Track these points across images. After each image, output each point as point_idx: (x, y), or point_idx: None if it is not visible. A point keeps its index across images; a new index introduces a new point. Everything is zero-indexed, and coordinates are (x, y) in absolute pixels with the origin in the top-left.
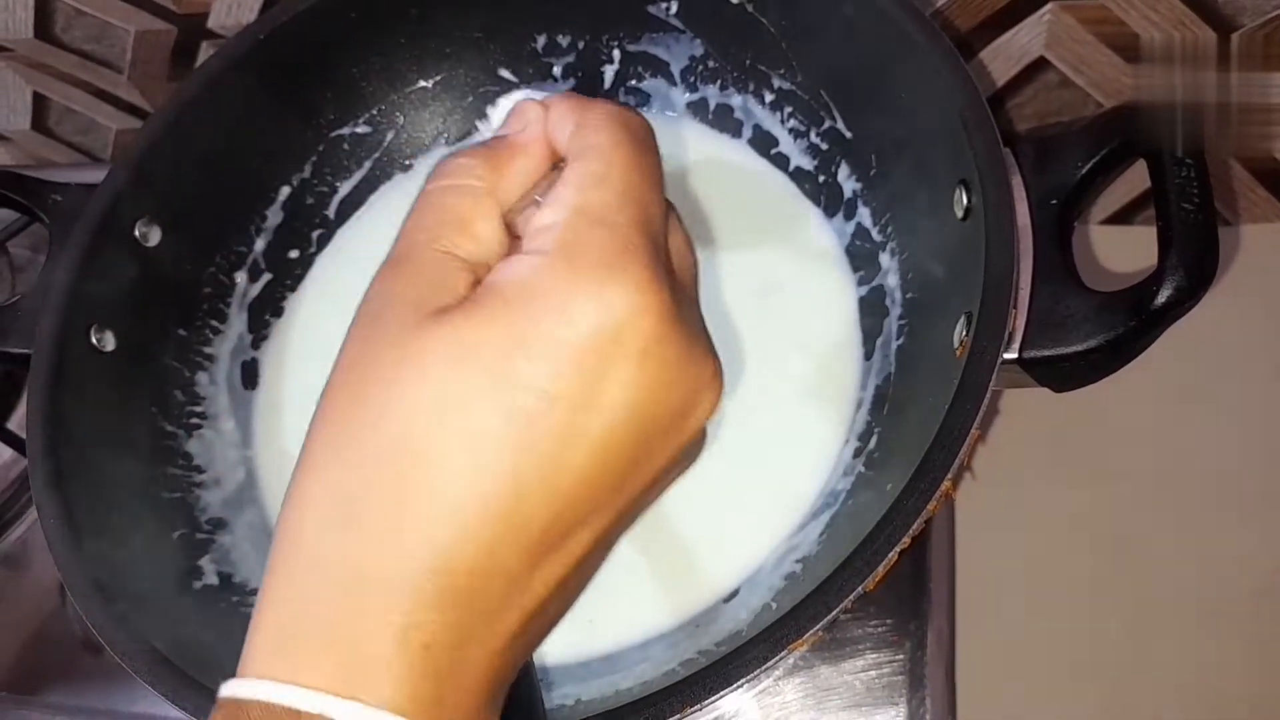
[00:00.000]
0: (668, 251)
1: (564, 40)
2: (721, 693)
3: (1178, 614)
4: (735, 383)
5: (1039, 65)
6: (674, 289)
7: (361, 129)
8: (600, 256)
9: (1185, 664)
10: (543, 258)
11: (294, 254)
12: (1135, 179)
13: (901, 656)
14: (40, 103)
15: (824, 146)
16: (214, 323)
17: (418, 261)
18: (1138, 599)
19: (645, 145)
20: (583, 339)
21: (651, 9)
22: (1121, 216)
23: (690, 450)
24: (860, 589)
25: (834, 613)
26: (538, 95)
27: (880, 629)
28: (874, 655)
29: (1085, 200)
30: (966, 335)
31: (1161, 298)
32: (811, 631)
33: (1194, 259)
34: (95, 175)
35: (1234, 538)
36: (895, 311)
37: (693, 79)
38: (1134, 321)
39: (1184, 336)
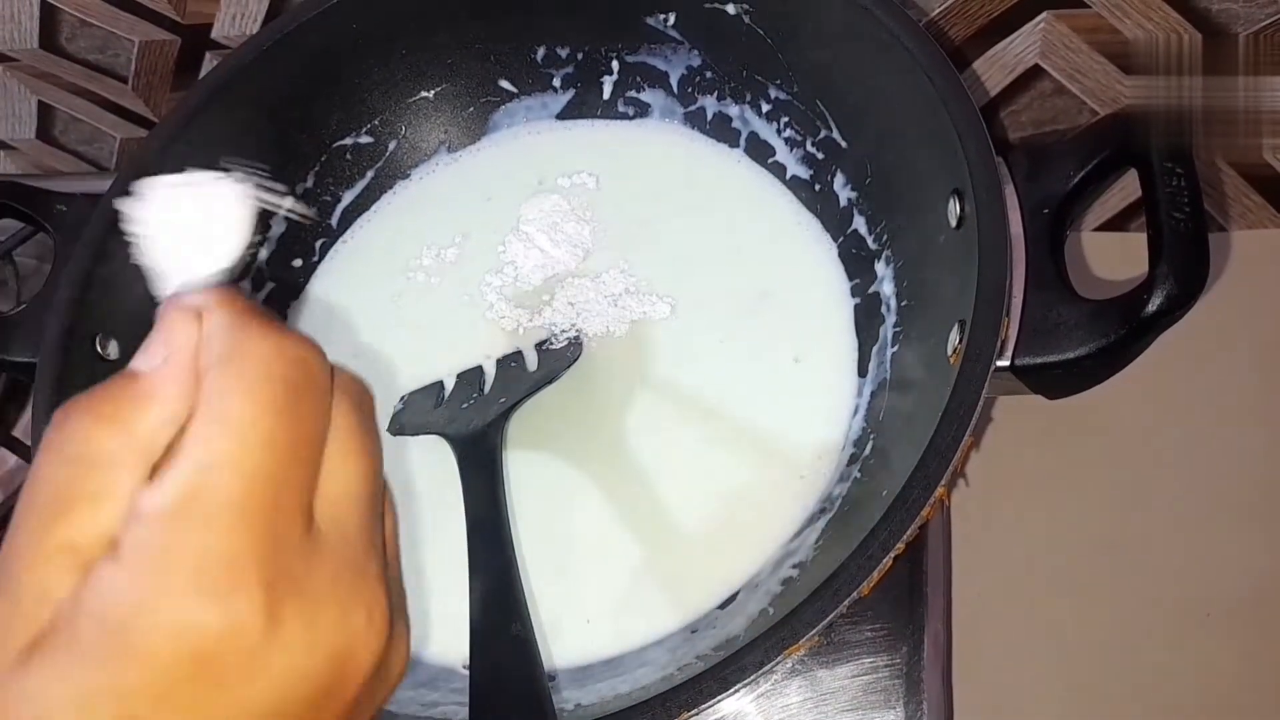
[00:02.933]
0: (309, 507)
1: (563, 51)
2: (719, 697)
3: (1172, 618)
4: (730, 388)
5: (1034, 73)
6: (292, 566)
7: (364, 139)
8: (193, 568)
9: (1181, 668)
10: (121, 569)
11: (297, 263)
12: (1129, 186)
13: (898, 661)
14: (45, 112)
15: (820, 156)
16: None
17: (12, 577)
18: (1132, 603)
19: (295, 395)
20: (172, 672)
21: (650, 21)
22: (1115, 224)
23: (374, 689)
24: (855, 594)
25: (829, 618)
26: (192, 296)
27: (877, 633)
28: (871, 659)
29: (1077, 209)
30: (960, 343)
31: (1152, 306)
32: (807, 636)
33: (1184, 267)
34: (100, 185)
35: (1227, 542)
36: (890, 319)
37: (690, 89)
38: (1125, 329)
39: (1176, 343)
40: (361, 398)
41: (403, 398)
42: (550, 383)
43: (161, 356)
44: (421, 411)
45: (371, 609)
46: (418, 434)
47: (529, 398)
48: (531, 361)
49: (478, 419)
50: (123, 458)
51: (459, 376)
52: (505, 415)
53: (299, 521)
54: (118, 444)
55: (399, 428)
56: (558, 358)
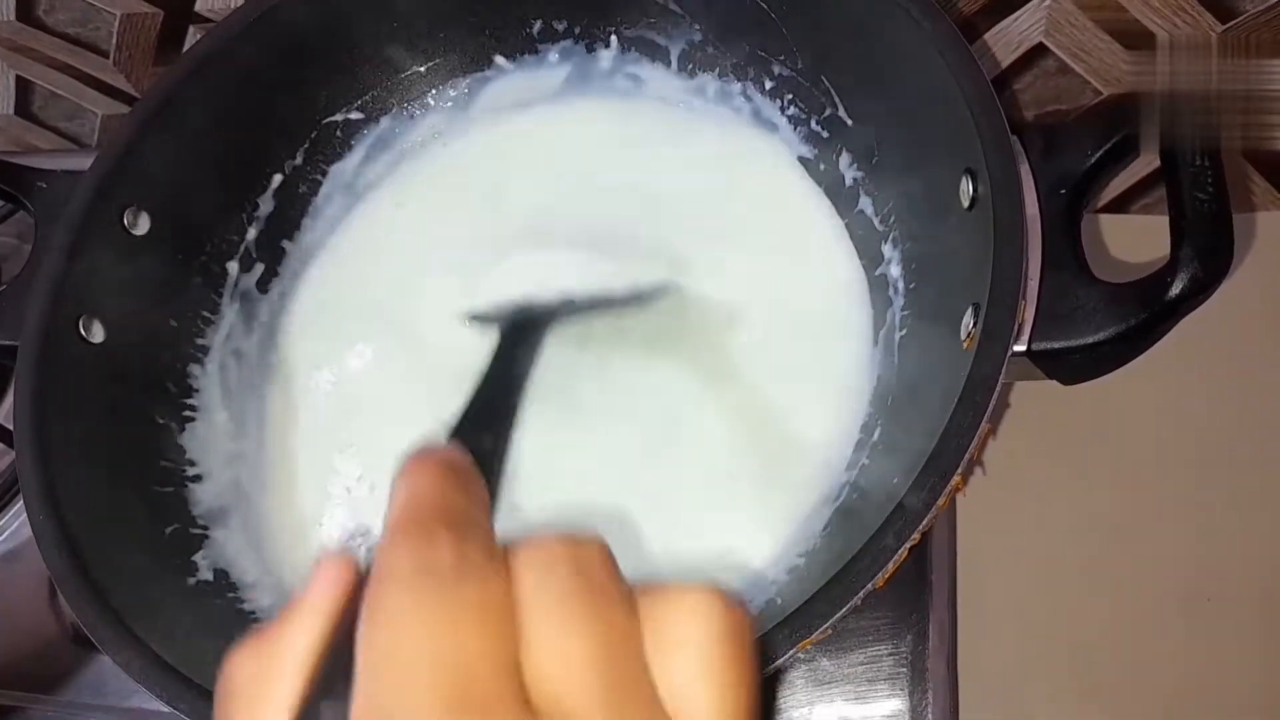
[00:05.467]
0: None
1: (559, 25)
2: None
3: (1181, 608)
4: (734, 371)
5: (1038, 51)
6: None
7: (354, 115)
8: None
9: (1187, 659)
10: None
11: (286, 243)
12: (1134, 166)
13: (903, 648)
14: (24, 87)
15: (824, 134)
16: (205, 313)
17: None
18: (1141, 593)
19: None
20: None
21: None
22: (1117, 205)
23: None
24: (870, 585)
25: (843, 611)
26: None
27: (882, 621)
28: (876, 647)
29: (1094, 189)
30: (974, 327)
31: (1176, 289)
32: (820, 629)
33: (1209, 249)
34: (81, 162)
35: (1245, 534)
36: (898, 302)
37: (691, 65)
38: (1146, 313)
39: (1196, 327)
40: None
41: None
42: (615, 309)
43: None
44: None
45: None
46: (484, 324)
47: (587, 313)
48: (621, 289)
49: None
50: (269, 673)
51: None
52: (556, 313)
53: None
54: (262, 664)
55: (473, 316)
56: (642, 289)
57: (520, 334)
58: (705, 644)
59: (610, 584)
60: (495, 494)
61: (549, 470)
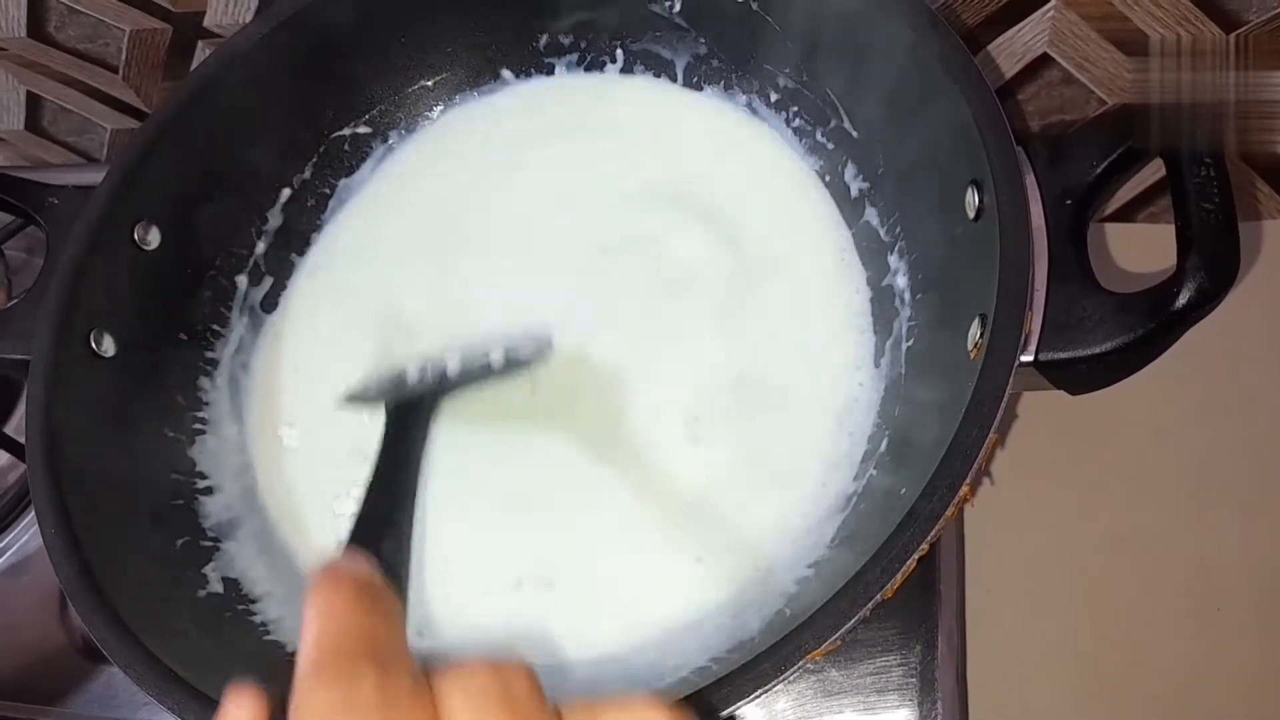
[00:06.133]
0: None
1: (565, 40)
2: (739, 703)
3: (1191, 618)
4: (740, 380)
5: (1042, 62)
6: None
7: (362, 129)
8: None
9: (1197, 668)
10: None
11: (295, 257)
12: (1139, 175)
13: (912, 659)
14: (34, 102)
15: (830, 146)
16: (215, 326)
17: None
18: (1150, 602)
19: None
20: None
21: (654, 7)
22: (1122, 214)
23: None
24: (879, 596)
25: (853, 621)
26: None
27: (891, 631)
28: (884, 657)
29: (1100, 199)
30: (981, 337)
31: (1182, 299)
32: (829, 641)
33: (1215, 259)
34: (92, 176)
35: (1254, 543)
36: (905, 313)
37: (696, 78)
38: (1153, 323)
39: (1203, 337)
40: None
41: (364, 379)
42: (501, 376)
43: None
44: (376, 388)
45: None
46: (362, 405)
47: (473, 385)
48: (497, 358)
49: (417, 392)
50: None
51: (423, 363)
52: (441, 392)
53: None
54: None
55: (349, 398)
56: (520, 354)
57: (406, 419)
58: None
59: (538, 711)
60: (405, 593)
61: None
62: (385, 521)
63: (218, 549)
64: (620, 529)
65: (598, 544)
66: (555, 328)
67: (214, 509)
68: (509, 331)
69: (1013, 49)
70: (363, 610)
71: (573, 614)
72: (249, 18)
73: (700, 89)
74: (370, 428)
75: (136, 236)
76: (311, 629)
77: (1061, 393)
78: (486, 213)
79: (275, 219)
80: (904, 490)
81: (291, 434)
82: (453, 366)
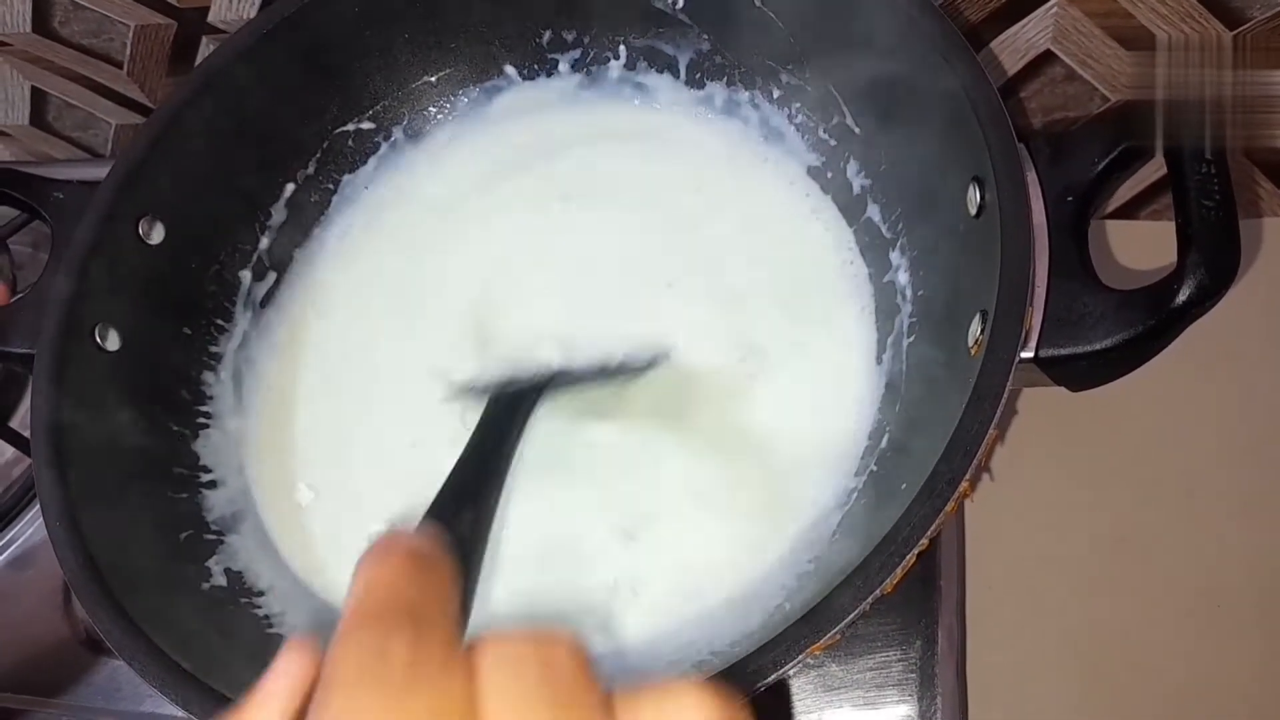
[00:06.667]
0: None
1: (569, 36)
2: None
3: (1191, 614)
4: (743, 379)
5: (1045, 58)
6: None
7: (365, 125)
8: None
9: (1197, 665)
10: None
11: (298, 252)
12: (1142, 172)
13: (912, 654)
14: (39, 98)
15: (832, 142)
16: (219, 321)
17: None
18: (1151, 598)
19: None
20: None
21: (658, 4)
22: (1126, 211)
23: None
24: (879, 591)
25: (852, 616)
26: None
27: (891, 627)
28: (885, 653)
29: (1101, 197)
30: (982, 334)
31: (1182, 296)
32: (829, 634)
33: (1215, 256)
34: (96, 172)
35: (1255, 540)
36: (906, 309)
37: (699, 75)
38: (1154, 320)
39: (1203, 333)
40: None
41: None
42: (610, 380)
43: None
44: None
45: None
46: (472, 397)
47: (575, 387)
48: (613, 363)
49: (525, 385)
50: None
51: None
52: (544, 386)
53: None
54: None
55: (461, 389)
56: (637, 362)
57: (507, 408)
58: None
59: (582, 688)
60: (473, 577)
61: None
62: (468, 497)
63: (221, 542)
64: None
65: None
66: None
67: (217, 503)
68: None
69: (1016, 46)
70: (411, 577)
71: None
72: (253, 13)
73: (702, 85)
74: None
75: (141, 231)
76: (354, 589)
77: (1062, 389)
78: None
79: (279, 214)
80: (904, 485)
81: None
82: (570, 364)
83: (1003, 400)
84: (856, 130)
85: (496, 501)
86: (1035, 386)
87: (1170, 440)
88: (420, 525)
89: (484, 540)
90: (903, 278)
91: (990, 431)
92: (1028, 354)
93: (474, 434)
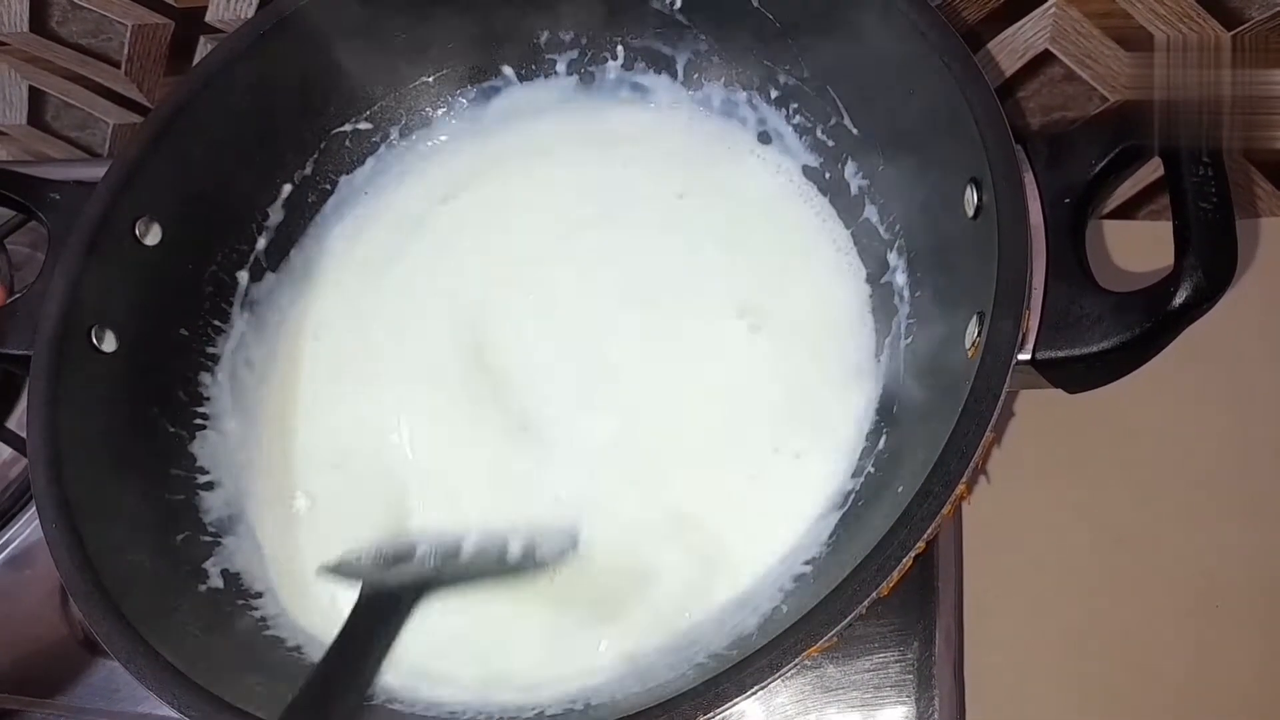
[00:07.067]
0: None
1: (566, 36)
2: (736, 699)
3: (1189, 615)
4: (738, 381)
5: (1044, 58)
6: None
7: (363, 125)
8: None
9: (1195, 665)
10: None
11: (295, 253)
12: (1140, 172)
13: (910, 655)
14: (37, 97)
15: (830, 143)
16: (216, 322)
17: None
18: (1148, 599)
19: None
20: None
21: (655, 4)
22: (1124, 211)
23: None
24: (875, 594)
25: (848, 619)
26: None
27: (889, 628)
28: (882, 654)
29: (1099, 198)
30: (979, 336)
31: (1180, 298)
32: (825, 637)
33: (1213, 259)
34: (93, 171)
35: (1249, 540)
36: (904, 310)
37: (697, 75)
38: (1151, 322)
39: (1201, 335)
40: None
41: (377, 547)
42: (515, 574)
43: None
44: (368, 561)
45: None
46: (344, 579)
47: (468, 585)
48: (514, 552)
49: (400, 581)
50: None
51: (436, 545)
52: (425, 590)
53: None
54: None
55: (331, 569)
56: (542, 553)
57: (383, 605)
58: None
59: None
60: None
61: None
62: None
63: (218, 544)
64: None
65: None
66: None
67: (214, 504)
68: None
69: (1014, 46)
70: None
71: None
72: (250, 13)
73: (700, 86)
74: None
75: (138, 232)
76: None
77: (1059, 391)
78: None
79: (276, 214)
80: (901, 488)
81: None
82: (466, 550)
83: (999, 402)
84: (854, 131)
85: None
86: (1032, 388)
87: (1167, 442)
88: None
89: None
90: (900, 279)
91: (987, 434)
92: (1025, 356)
93: (337, 636)
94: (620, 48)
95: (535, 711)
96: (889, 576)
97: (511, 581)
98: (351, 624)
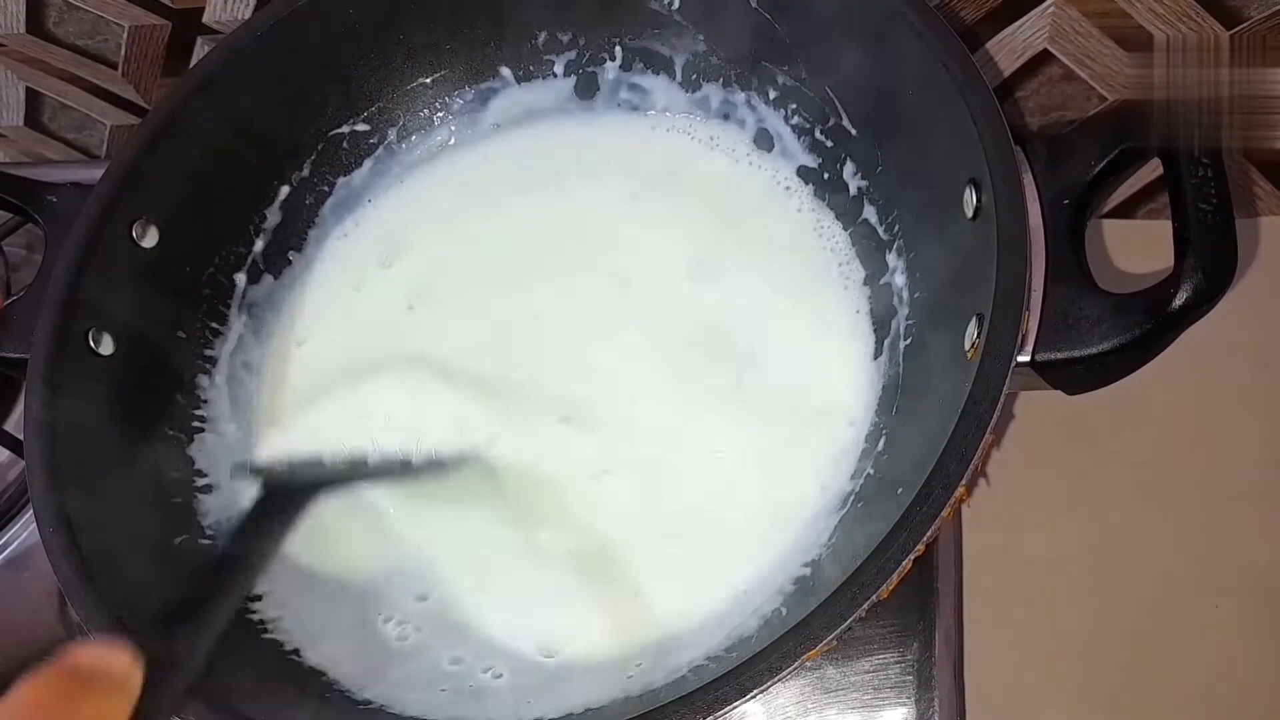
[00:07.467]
0: None
1: (564, 37)
2: (736, 703)
3: (1186, 615)
4: (737, 382)
5: (1042, 58)
6: None
7: (360, 127)
8: None
9: (1191, 665)
10: None
11: (293, 255)
12: (1140, 170)
13: (909, 657)
14: (34, 99)
15: (828, 144)
16: (214, 324)
17: None
18: (1146, 600)
19: None
20: None
21: (653, 4)
22: (1123, 210)
23: None
24: (875, 596)
25: (848, 622)
26: None
27: (889, 630)
28: (882, 655)
29: (1098, 198)
30: (978, 337)
31: (1179, 299)
32: (825, 641)
33: (1212, 260)
34: (91, 173)
35: (1249, 541)
36: (903, 311)
37: (695, 75)
38: (1150, 324)
39: (1201, 336)
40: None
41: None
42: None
43: None
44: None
45: None
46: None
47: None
48: (417, 457)
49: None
50: None
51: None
52: (321, 485)
53: None
54: None
55: (252, 469)
56: (441, 456)
57: (281, 501)
58: None
59: None
60: (169, 698)
61: None
62: (194, 610)
63: (216, 547)
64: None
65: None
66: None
67: (212, 507)
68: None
69: (1013, 45)
70: (49, 700)
71: None
72: (248, 14)
73: (698, 87)
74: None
75: (135, 235)
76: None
77: (1058, 393)
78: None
79: (274, 217)
80: (900, 490)
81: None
82: (373, 457)
83: (999, 404)
84: (853, 132)
85: (224, 619)
86: (1032, 390)
87: (1167, 443)
88: (122, 640)
89: (195, 662)
90: (899, 280)
91: (987, 436)
92: (1024, 358)
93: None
94: (618, 48)
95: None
96: (889, 579)
97: (410, 482)
98: (248, 516)
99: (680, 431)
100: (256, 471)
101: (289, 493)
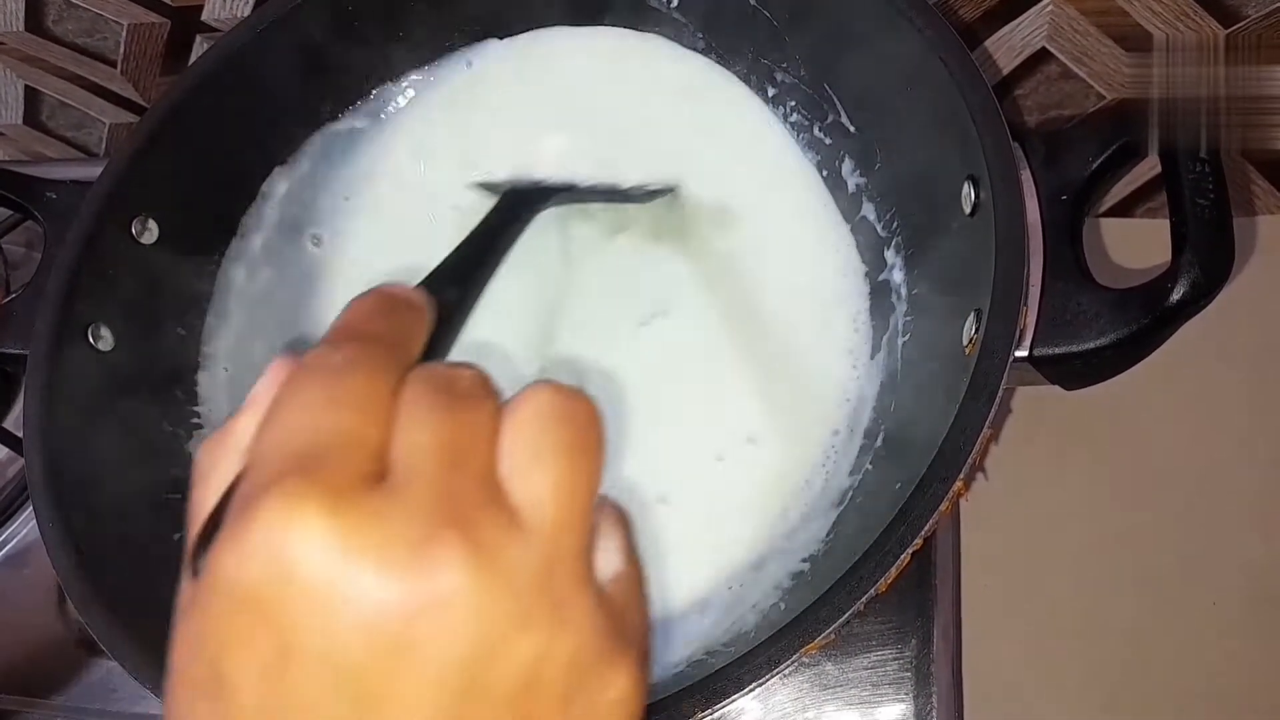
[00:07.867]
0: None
1: None
2: (732, 697)
3: (1184, 612)
4: (738, 374)
5: (1041, 56)
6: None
7: (359, 122)
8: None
9: (1190, 661)
10: None
11: (292, 250)
12: (1137, 169)
13: (908, 653)
14: (32, 97)
15: (827, 141)
16: (213, 320)
17: None
18: (1145, 596)
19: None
20: None
21: (652, 2)
22: (1122, 208)
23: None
24: (872, 591)
25: (846, 616)
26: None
27: (887, 626)
28: (880, 651)
29: (1096, 195)
30: (976, 333)
31: (1176, 295)
32: (823, 635)
33: (1209, 255)
34: (90, 171)
35: (1245, 537)
36: (901, 307)
37: None
38: (1148, 319)
39: (1198, 332)
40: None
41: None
42: (625, 200)
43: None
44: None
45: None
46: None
47: (589, 200)
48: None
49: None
50: (219, 458)
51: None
52: (554, 192)
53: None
54: (216, 451)
55: (481, 183)
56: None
57: (517, 204)
58: (535, 420)
59: (480, 397)
60: (445, 344)
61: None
62: (459, 276)
63: None
64: None
65: None
66: None
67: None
68: None
69: (1011, 44)
70: (379, 313)
71: None
72: (247, 11)
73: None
74: None
75: (134, 231)
76: (339, 317)
77: (1056, 388)
78: None
79: (273, 212)
80: (899, 485)
81: None
82: (583, 177)
83: (997, 399)
84: (851, 129)
85: (484, 286)
86: (1030, 385)
87: (1165, 439)
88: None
89: (465, 315)
90: (898, 276)
91: (985, 431)
92: (1022, 353)
93: (479, 224)
94: None
95: None
96: (887, 574)
97: (621, 202)
98: (492, 213)
99: (662, 416)
100: (489, 187)
101: (523, 203)
